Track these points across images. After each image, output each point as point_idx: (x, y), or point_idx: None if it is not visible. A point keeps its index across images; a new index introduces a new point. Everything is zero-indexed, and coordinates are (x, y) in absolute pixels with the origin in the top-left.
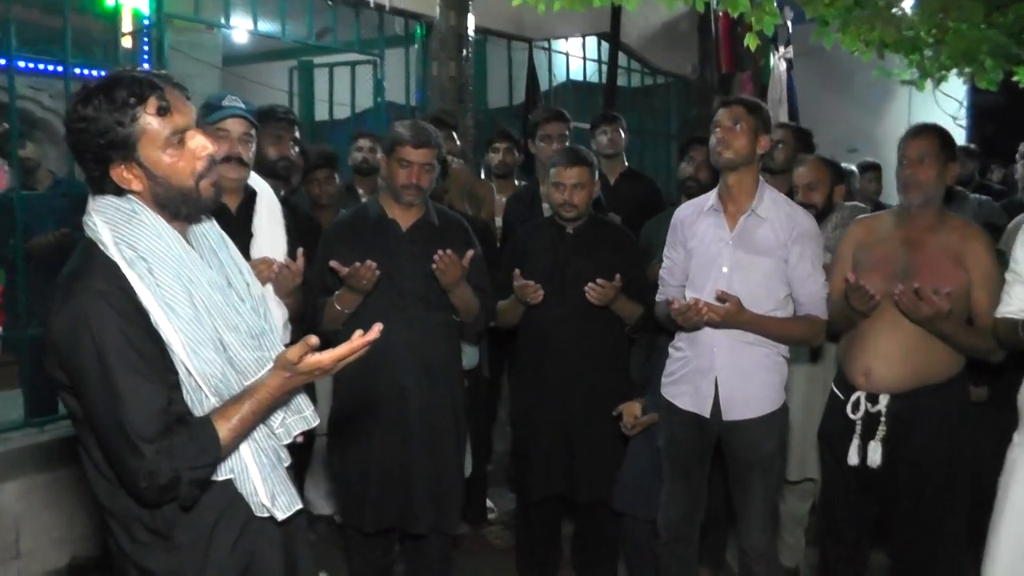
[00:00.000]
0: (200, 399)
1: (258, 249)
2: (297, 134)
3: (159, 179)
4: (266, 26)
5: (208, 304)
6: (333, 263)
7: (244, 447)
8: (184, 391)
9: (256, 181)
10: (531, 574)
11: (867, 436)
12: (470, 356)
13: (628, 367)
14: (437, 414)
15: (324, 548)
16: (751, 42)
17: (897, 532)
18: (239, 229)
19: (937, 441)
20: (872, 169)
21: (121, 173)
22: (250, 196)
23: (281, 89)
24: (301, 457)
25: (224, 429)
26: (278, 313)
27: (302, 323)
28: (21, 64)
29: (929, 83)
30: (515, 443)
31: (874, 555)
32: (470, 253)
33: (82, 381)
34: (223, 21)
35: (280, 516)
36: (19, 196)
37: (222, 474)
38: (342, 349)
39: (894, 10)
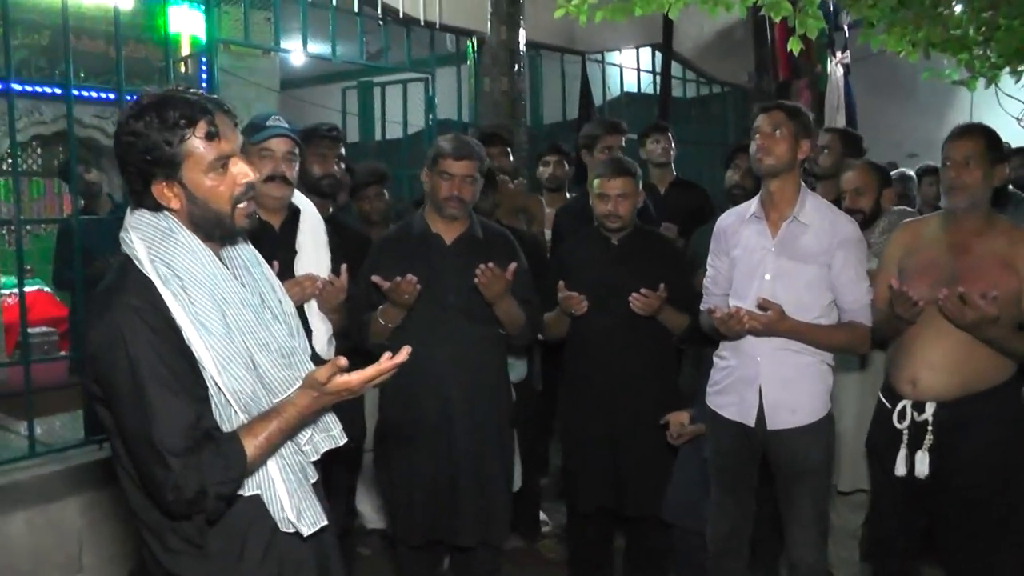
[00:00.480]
0: (229, 415)
1: (302, 266)
2: (343, 151)
3: (198, 201)
4: (321, 48)
5: (240, 323)
6: (375, 277)
7: (271, 463)
8: (213, 407)
9: (300, 199)
10: None
11: (914, 446)
12: (518, 369)
13: (676, 379)
14: (482, 427)
15: (377, 561)
16: (794, 46)
17: (945, 544)
18: (283, 247)
19: (986, 449)
20: (932, 173)
21: (162, 190)
22: (294, 214)
23: (336, 109)
24: (351, 472)
25: (251, 446)
26: (323, 328)
27: (347, 338)
28: (76, 92)
29: (989, 84)
30: (564, 456)
31: (928, 569)
32: (513, 266)
33: (115, 394)
34: (274, 44)
35: (306, 532)
36: (79, 221)
37: (249, 490)
38: (370, 371)
39: (940, 9)
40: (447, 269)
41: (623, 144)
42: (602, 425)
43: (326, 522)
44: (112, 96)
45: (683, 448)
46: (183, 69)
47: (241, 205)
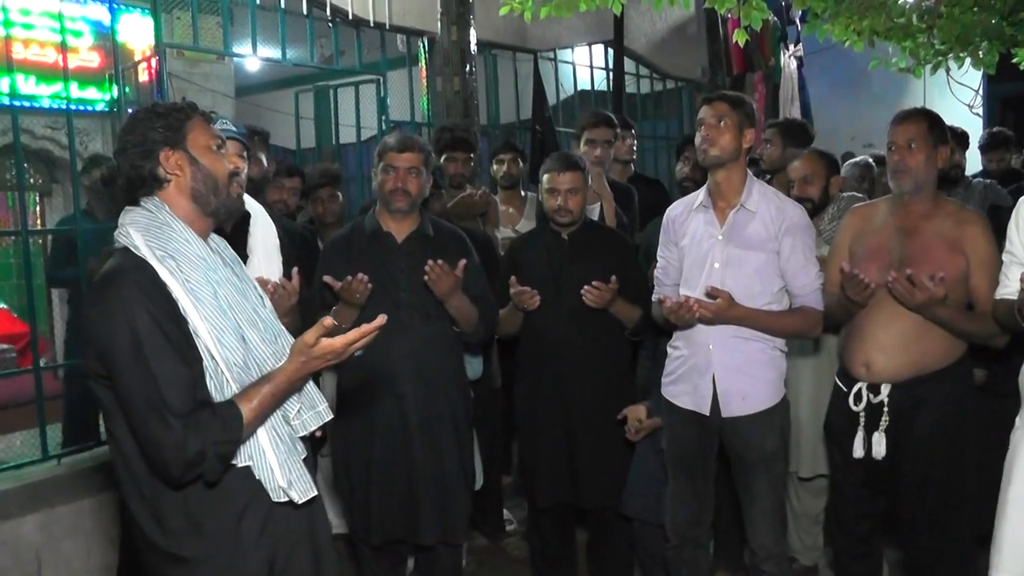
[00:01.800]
0: (222, 384)
1: (253, 270)
2: (261, 155)
3: (200, 167)
4: (272, 52)
5: (231, 300)
6: (326, 278)
7: (261, 432)
8: (208, 378)
9: (250, 204)
10: None
11: (871, 428)
12: (475, 367)
13: (631, 371)
14: (438, 424)
15: (341, 565)
16: (740, 38)
17: (904, 523)
18: (235, 250)
19: (940, 429)
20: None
21: (168, 157)
22: (244, 218)
23: (292, 114)
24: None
25: (246, 409)
26: None
27: None
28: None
29: (935, 70)
30: (521, 451)
31: (889, 550)
32: (462, 263)
33: (116, 363)
34: (224, 48)
35: (298, 498)
36: (81, 229)
37: (241, 460)
38: (352, 335)
39: None
40: (399, 267)
41: (612, 138)
42: (558, 419)
43: (316, 492)
44: (63, 107)
45: (640, 441)
46: (137, 77)
47: (234, 185)
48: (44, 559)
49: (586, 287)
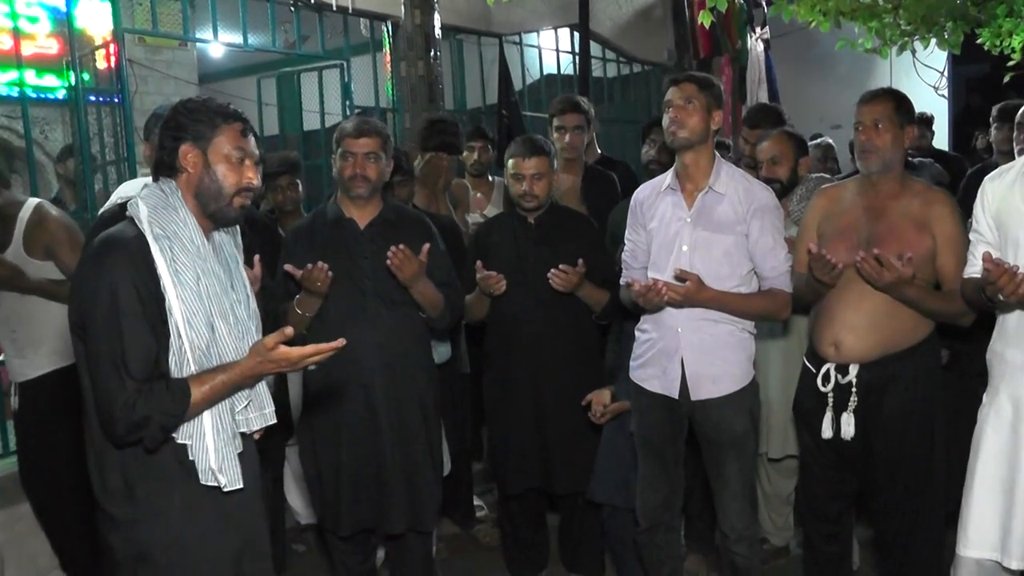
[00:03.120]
0: (183, 363)
1: None
2: None
3: (210, 171)
4: (233, 37)
5: (210, 291)
6: (287, 266)
7: (206, 416)
8: (171, 354)
9: None
10: (519, 569)
11: (839, 408)
12: (441, 351)
13: (599, 355)
14: (405, 412)
15: (312, 557)
16: (705, 19)
17: (875, 502)
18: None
19: (909, 407)
20: None
21: (186, 152)
22: None
23: (255, 101)
24: (272, 466)
25: (196, 390)
26: None
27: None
28: None
29: (901, 51)
30: (490, 437)
31: (859, 529)
32: (426, 247)
33: (93, 320)
34: (184, 33)
35: (225, 484)
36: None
37: (181, 437)
38: (308, 348)
39: None
40: (362, 253)
41: (583, 123)
42: (526, 404)
43: (241, 486)
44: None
45: (607, 426)
46: (95, 62)
47: (239, 198)
48: (7, 557)
49: (553, 271)
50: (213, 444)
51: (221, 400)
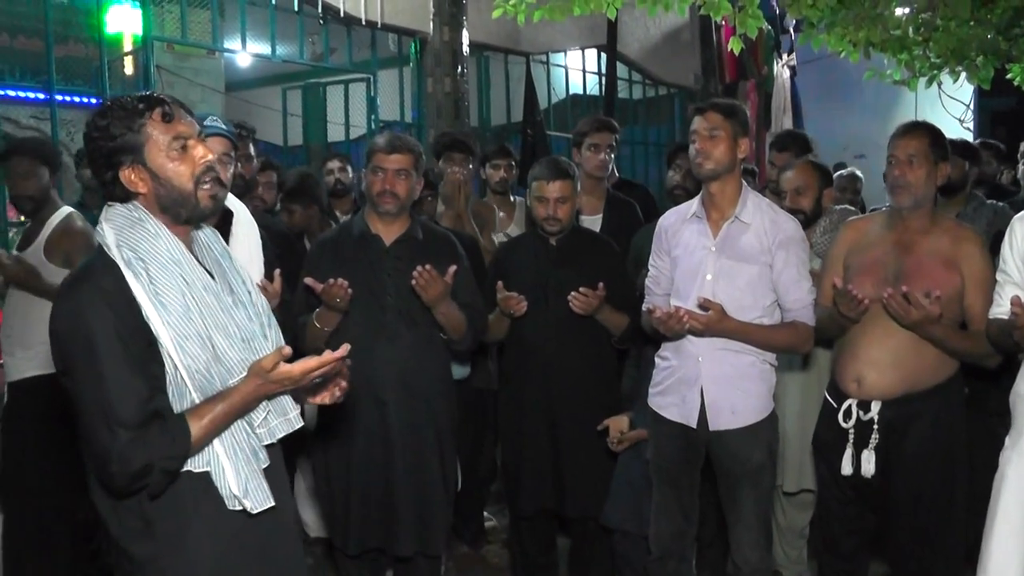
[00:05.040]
0: (183, 393)
1: None
2: (251, 149)
3: (163, 181)
4: (262, 48)
5: (200, 305)
6: (308, 280)
7: (217, 442)
8: (169, 386)
9: (233, 202)
10: None
11: (860, 445)
12: (458, 369)
13: (617, 379)
14: (419, 432)
15: (320, 570)
16: (735, 46)
17: (893, 542)
18: None
19: (931, 447)
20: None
21: (129, 176)
22: (226, 217)
23: (276, 110)
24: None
25: (196, 426)
26: None
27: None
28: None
29: (929, 83)
30: (504, 457)
31: (875, 566)
32: (452, 269)
33: (73, 365)
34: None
35: (252, 508)
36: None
37: (199, 466)
38: (312, 362)
39: (880, 9)
40: (386, 270)
41: (614, 143)
42: (542, 426)
43: (272, 503)
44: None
45: (624, 452)
46: (124, 68)
47: (204, 186)
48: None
49: (573, 293)
50: (232, 468)
51: (226, 429)
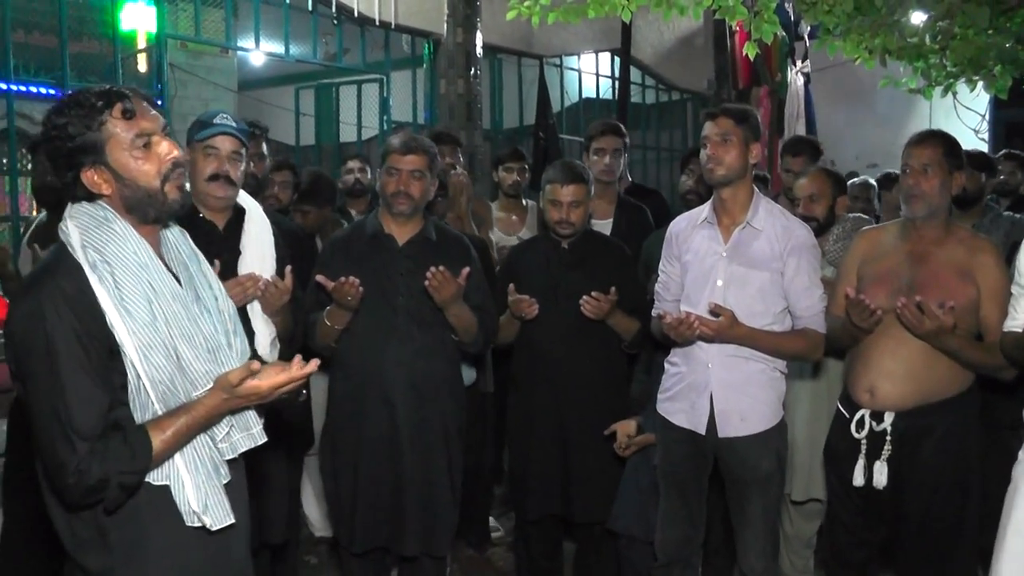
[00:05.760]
0: (146, 404)
1: (246, 266)
2: (264, 148)
3: (126, 181)
4: (275, 47)
5: (167, 313)
6: (320, 277)
7: (178, 456)
8: (131, 396)
9: (245, 199)
10: None
11: (872, 456)
12: (467, 373)
13: (626, 384)
14: (428, 433)
15: (324, 569)
16: (750, 51)
17: (903, 555)
18: (227, 247)
19: (944, 460)
20: (894, 181)
21: (92, 177)
22: (239, 214)
23: (289, 109)
24: (290, 476)
25: (157, 439)
26: (265, 331)
27: (292, 343)
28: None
29: (945, 92)
30: (511, 461)
31: None
32: (466, 271)
33: (29, 371)
34: (227, 41)
35: (211, 525)
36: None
37: (158, 480)
38: (280, 378)
39: (896, 16)
40: (398, 271)
41: (621, 147)
42: (550, 430)
43: (232, 521)
44: (57, 92)
45: (632, 457)
46: (137, 65)
47: (170, 183)
48: None
49: (585, 298)
50: (192, 483)
51: (188, 443)
